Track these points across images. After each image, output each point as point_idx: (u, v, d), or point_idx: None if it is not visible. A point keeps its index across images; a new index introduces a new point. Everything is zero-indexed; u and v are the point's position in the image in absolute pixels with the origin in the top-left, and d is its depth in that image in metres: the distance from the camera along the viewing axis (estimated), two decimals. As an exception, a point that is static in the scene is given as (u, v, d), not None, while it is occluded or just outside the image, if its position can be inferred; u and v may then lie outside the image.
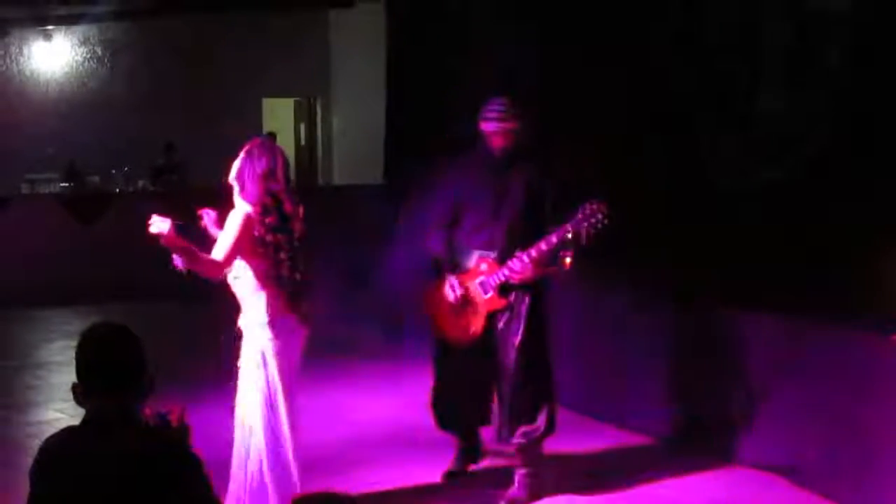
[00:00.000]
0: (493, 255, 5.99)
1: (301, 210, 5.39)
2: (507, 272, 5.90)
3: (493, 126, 5.99)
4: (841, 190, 7.44)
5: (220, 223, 5.36)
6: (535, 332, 6.04)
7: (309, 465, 6.33)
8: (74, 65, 16.61)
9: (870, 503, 5.78)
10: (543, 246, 5.81)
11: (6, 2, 14.24)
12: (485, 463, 6.72)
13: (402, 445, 7.25)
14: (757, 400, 6.56)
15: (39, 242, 13.05)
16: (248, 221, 5.24)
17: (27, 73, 16.37)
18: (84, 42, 16.58)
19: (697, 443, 6.87)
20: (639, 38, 9.51)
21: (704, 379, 6.90)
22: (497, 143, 6.00)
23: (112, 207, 13.69)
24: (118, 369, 3.12)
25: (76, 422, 3.23)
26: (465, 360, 6.17)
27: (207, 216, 5.52)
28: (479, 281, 6.01)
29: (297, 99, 18.91)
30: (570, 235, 5.73)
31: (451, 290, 6.06)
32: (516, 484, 6.18)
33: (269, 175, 5.30)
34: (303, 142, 18.98)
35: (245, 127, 15.66)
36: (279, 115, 18.42)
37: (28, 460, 3.21)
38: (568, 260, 5.94)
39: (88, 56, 16.65)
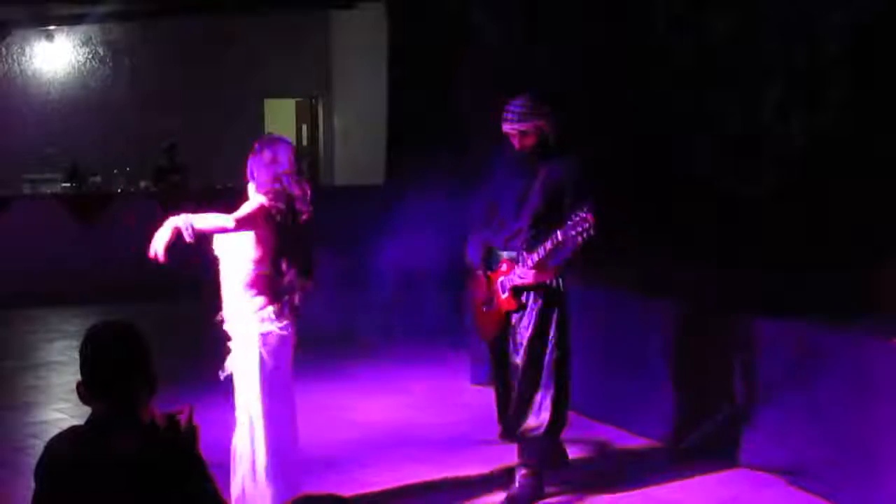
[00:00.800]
0: (513, 254, 6.06)
1: (309, 192, 5.47)
2: (514, 276, 5.99)
3: (507, 127, 6.00)
4: (842, 191, 7.44)
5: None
6: (545, 333, 6.07)
7: (308, 464, 6.35)
8: (76, 65, 16.61)
9: (870, 504, 5.79)
10: (541, 252, 5.86)
11: (8, 2, 14.26)
12: (487, 461, 6.74)
13: (403, 446, 7.25)
14: (759, 402, 6.56)
15: (41, 242, 13.06)
16: (262, 209, 5.35)
17: (29, 73, 16.38)
18: (86, 42, 16.59)
19: (700, 445, 6.87)
20: (639, 37, 9.52)
21: (707, 381, 6.90)
22: (515, 143, 6.02)
23: (114, 208, 13.70)
24: (123, 369, 3.11)
25: (78, 422, 3.23)
26: (499, 364, 6.31)
27: (186, 231, 5.52)
28: (500, 280, 6.11)
29: (299, 99, 18.92)
30: (559, 240, 5.74)
31: (477, 286, 6.22)
32: (517, 483, 6.19)
33: (273, 161, 5.42)
34: (304, 142, 18.98)
35: (246, 127, 15.68)
36: (280, 115, 18.42)
37: (29, 460, 3.23)
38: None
39: (90, 56, 16.66)
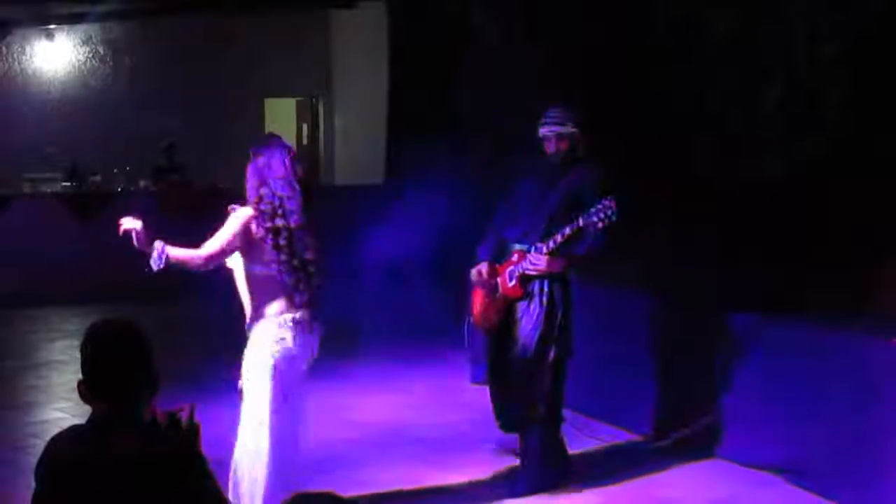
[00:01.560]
0: (525, 246, 6.19)
1: (300, 196, 5.36)
2: (519, 269, 6.14)
3: (546, 130, 6.25)
4: (843, 191, 7.44)
5: (148, 238, 5.43)
6: (546, 327, 6.16)
7: (308, 465, 6.36)
8: (76, 64, 16.61)
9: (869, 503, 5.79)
10: (559, 238, 6.02)
11: (8, 1, 14.25)
12: (487, 460, 6.75)
13: (402, 445, 7.26)
14: (758, 400, 6.57)
15: (41, 241, 13.04)
16: (246, 221, 5.30)
17: (29, 72, 16.37)
18: (86, 41, 16.59)
19: (697, 442, 6.87)
20: (639, 35, 9.52)
21: (705, 379, 6.90)
22: (549, 147, 6.25)
23: (113, 207, 13.69)
24: (124, 368, 3.10)
25: (78, 421, 3.22)
26: (497, 359, 6.38)
27: (136, 233, 5.51)
28: (509, 269, 6.24)
29: (299, 99, 18.91)
30: (580, 226, 5.92)
31: (478, 273, 6.29)
32: (518, 477, 6.28)
33: (265, 166, 5.36)
34: (304, 142, 18.97)
35: (246, 127, 15.68)
36: (281, 115, 18.42)
37: (30, 459, 3.22)
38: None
39: (90, 55, 16.65)
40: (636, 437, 7.30)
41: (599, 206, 5.85)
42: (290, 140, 18.06)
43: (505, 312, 6.28)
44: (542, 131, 6.26)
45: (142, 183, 14.63)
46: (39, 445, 3.21)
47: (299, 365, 5.46)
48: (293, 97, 18.83)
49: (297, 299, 5.35)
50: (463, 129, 11.30)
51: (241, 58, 16.68)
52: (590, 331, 7.68)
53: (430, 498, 6.29)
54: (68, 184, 14.28)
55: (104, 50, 16.66)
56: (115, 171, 14.63)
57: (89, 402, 3.13)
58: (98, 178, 14.48)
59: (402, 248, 11.56)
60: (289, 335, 5.36)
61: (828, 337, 6.16)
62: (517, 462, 6.33)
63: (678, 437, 6.94)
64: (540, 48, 10.38)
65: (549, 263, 6.08)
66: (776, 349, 6.46)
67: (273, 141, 5.53)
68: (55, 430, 3.26)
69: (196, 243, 5.38)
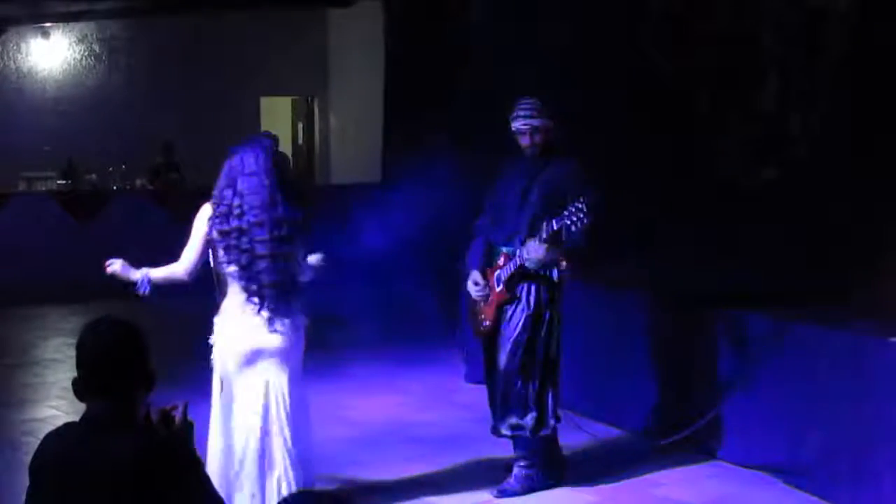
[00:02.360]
0: (511, 249, 6.14)
1: (271, 193, 5.37)
2: (518, 259, 6.04)
3: (520, 123, 6.14)
4: (841, 190, 7.44)
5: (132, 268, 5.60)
6: (536, 328, 6.14)
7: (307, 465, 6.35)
8: (72, 62, 16.60)
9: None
10: (536, 241, 5.95)
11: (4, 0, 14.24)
12: (484, 459, 6.75)
13: (399, 443, 7.26)
14: (754, 399, 6.56)
15: (37, 240, 13.04)
16: (206, 222, 5.42)
17: (25, 70, 16.36)
18: (82, 40, 16.57)
19: (692, 442, 6.87)
20: (637, 32, 9.51)
21: (700, 378, 6.90)
22: (523, 140, 6.16)
23: (110, 205, 13.69)
24: (120, 366, 3.08)
25: (73, 419, 3.21)
26: (491, 361, 6.35)
27: (120, 272, 5.62)
28: (496, 273, 6.20)
29: (295, 97, 18.90)
30: (554, 228, 5.84)
31: (474, 283, 6.25)
32: (512, 476, 6.27)
33: (235, 166, 5.41)
34: (300, 140, 18.97)
35: (243, 125, 15.66)
36: (277, 113, 18.41)
37: (24, 458, 3.20)
38: (563, 263, 6.08)
39: (86, 54, 16.64)
40: (633, 437, 7.29)
41: (571, 210, 5.72)
42: (287, 139, 18.08)
43: (496, 317, 6.24)
44: (515, 125, 6.15)
45: (138, 181, 14.63)
46: (34, 443, 3.20)
47: (246, 360, 5.44)
48: (289, 96, 18.82)
49: (248, 297, 5.39)
50: (459, 128, 11.30)
51: (238, 56, 16.68)
52: (587, 330, 7.69)
53: (425, 496, 6.28)
54: (64, 182, 14.27)
55: (100, 48, 16.65)
56: (110, 169, 14.62)
57: (84, 399, 3.11)
58: (94, 176, 14.47)
59: (397, 246, 11.55)
60: (231, 330, 5.44)
61: (826, 336, 6.15)
62: (513, 461, 6.32)
63: (674, 436, 6.92)
64: (538, 47, 10.37)
65: (547, 252, 5.96)
66: (772, 347, 6.45)
67: (253, 139, 5.55)
68: (49, 429, 3.24)
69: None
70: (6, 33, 15.83)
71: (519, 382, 6.15)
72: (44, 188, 14.24)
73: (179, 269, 5.50)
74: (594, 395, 7.72)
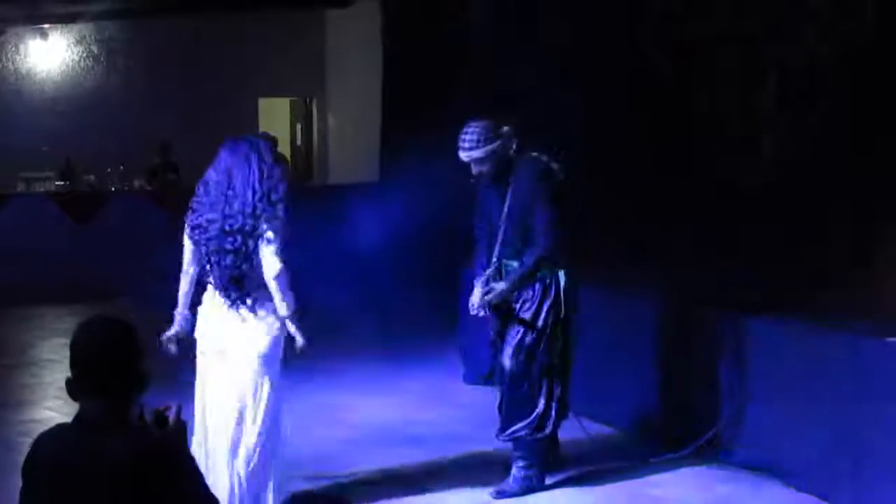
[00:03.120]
0: (506, 261, 6.20)
1: (232, 186, 5.40)
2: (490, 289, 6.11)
3: (463, 155, 6.10)
4: (840, 191, 7.44)
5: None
6: (538, 335, 6.15)
7: (304, 464, 6.34)
8: (70, 63, 16.59)
9: (864, 504, 5.78)
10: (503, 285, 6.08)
11: (2, 1, 14.22)
12: (484, 460, 6.74)
13: (399, 444, 7.24)
14: (754, 401, 6.55)
15: (35, 240, 13.02)
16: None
17: (23, 71, 16.35)
18: (80, 41, 16.56)
19: (694, 443, 6.84)
20: (637, 32, 9.50)
21: (702, 379, 6.88)
22: (474, 170, 6.11)
23: (108, 206, 13.68)
24: (114, 366, 3.04)
25: (69, 420, 3.18)
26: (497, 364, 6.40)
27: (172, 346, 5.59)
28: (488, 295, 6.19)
29: (293, 98, 18.90)
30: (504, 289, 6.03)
31: (471, 306, 6.25)
32: (511, 477, 6.26)
33: (214, 164, 5.48)
34: (299, 141, 18.96)
35: (241, 126, 15.63)
36: (275, 114, 18.41)
37: (20, 459, 3.17)
38: None
39: (84, 55, 16.63)
40: (632, 438, 7.27)
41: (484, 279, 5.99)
42: (285, 140, 18.07)
43: (502, 323, 6.28)
44: (461, 156, 6.09)
45: (136, 182, 14.62)
46: (29, 444, 3.18)
47: (216, 353, 5.49)
48: (288, 97, 18.82)
49: (215, 290, 5.47)
50: (458, 129, 11.28)
51: (236, 57, 16.66)
52: (588, 331, 7.67)
53: (424, 497, 6.27)
54: (62, 183, 14.26)
55: (98, 49, 16.63)
56: (108, 170, 14.61)
57: (77, 399, 3.09)
58: (92, 177, 14.46)
59: (395, 246, 11.53)
60: (204, 323, 5.53)
61: (826, 338, 6.14)
62: (511, 462, 6.31)
63: (673, 438, 6.89)
64: (538, 47, 10.36)
65: (504, 291, 6.06)
66: (772, 349, 6.44)
67: (240, 139, 5.56)
68: (45, 429, 3.21)
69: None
70: (4, 34, 15.83)
71: (523, 387, 6.17)
72: (42, 189, 14.24)
73: (186, 279, 5.57)
74: (594, 395, 7.70)
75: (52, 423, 3.24)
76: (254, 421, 5.43)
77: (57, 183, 14.30)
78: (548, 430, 6.22)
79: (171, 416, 3.08)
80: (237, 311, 5.42)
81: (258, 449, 5.43)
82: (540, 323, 6.12)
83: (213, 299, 5.51)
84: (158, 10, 15.44)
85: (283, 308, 5.40)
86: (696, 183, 8.68)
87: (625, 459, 6.82)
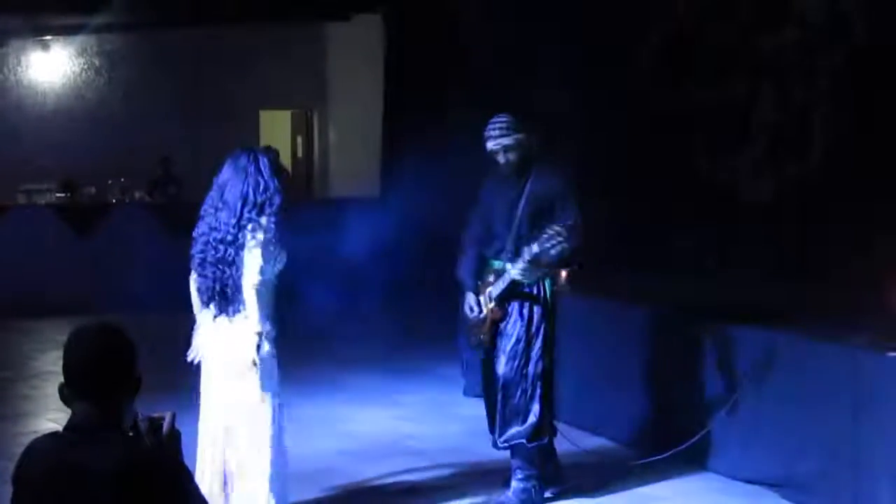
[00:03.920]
0: (501, 264, 6.19)
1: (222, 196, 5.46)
2: (508, 276, 6.08)
3: (492, 143, 6.15)
4: (840, 202, 7.46)
5: None
6: (530, 344, 6.17)
7: (304, 475, 6.35)
8: (72, 76, 16.60)
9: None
10: (520, 263, 6.00)
11: (4, 12, 14.25)
12: (483, 471, 6.75)
13: (398, 456, 7.25)
14: (752, 414, 6.55)
15: (35, 252, 13.04)
16: None
17: (24, 83, 16.36)
18: (82, 53, 16.58)
19: (688, 455, 6.85)
20: (636, 43, 9.54)
21: (698, 392, 6.88)
22: (500, 159, 6.16)
23: (108, 218, 13.70)
24: (106, 373, 3.02)
25: (66, 431, 3.17)
26: (489, 375, 6.37)
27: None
28: (488, 291, 6.23)
29: (295, 111, 18.91)
30: (535, 252, 5.88)
31: (469, 309, 6.28)
32: (510, 490, 6.26)
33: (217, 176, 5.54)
34: (300, 154, 18.97)
35: (242, 139, 15.62)
36: (276, 127, 18.41)
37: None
38: (563, 274, 6.11)
39: (86, 67, 16.65)
40: (629, 450, 7.27)
41: (549, 233, 5.79)
42: (286, 153, 18.08)
43: (492, 332, 6.28)
44: (489, 146, 6.16)
45: (137, 194, 14.63)
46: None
47: (210, 364, 5.52)
48: (288, 109, 18.83)
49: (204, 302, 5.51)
50: (459, 140, 11.31)
51: (237, 70, 16.68)
52: (581, 343, 7.68)
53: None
54: (63, 195, 14.27)
55: (100, 62, 16.65)
56: (109, 182, 14.62)
57: (70, 405, 3.06)
58: (93, 189, 14.48)
59: (396, 259, 11.54)
60: (199, 335, 5.55)
61: (822, 349, 6.15)
62: (510, 475, 6.31)
63: (669, 451, 6.90)
64: (535, 58, 10.39)
65: (535, 270, 6.03)
66: (769, 361, 6.44)
67: (241, 152, 5.57)
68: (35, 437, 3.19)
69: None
70: (6, 46, 15.85)
71: (517, 394, 6.17)
72: (43, 201, 14.24)
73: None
74: (588, 407, 7.71)
75: (50, 436, 3.22)
76: (251, 430, 5.43)
77: (58, 195, 14.30)
78: (545, 439, 6.22)
79: (165, 424, 3.06)
80: (226, 320, 5.43)
81: (257, 460, 5.43)
82: (533, 329, 6.16)
83: (205, 312, 5.54)
84: (160, 22, 15.46)
85: (253, 322, 5.38)
86: (695, 192, 8.71)
87: (624, 471, 6.82)
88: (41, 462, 3.04)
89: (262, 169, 5.43)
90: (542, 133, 6.35)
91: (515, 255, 6.07)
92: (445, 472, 6.88)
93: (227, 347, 5.42)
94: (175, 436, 3.07)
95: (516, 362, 6.16)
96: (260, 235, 5.34)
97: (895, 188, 7.24)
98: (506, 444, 6.26)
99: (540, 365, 6.18)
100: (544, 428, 6.22)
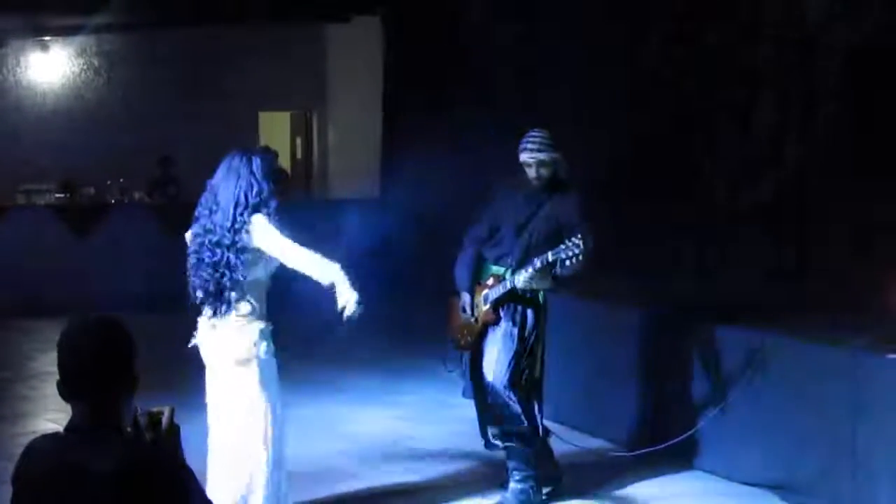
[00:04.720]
0: (501, 270, 6.19)
1: (217, 198, 5.45)
2: (509, 283, 6.09)
3: (528, 156, 6.15)
4: (840, 202, 7.45)
5: None
6: (519, 348, 6.17)
7: (303, 477, 6.34)
8: (71, 76, 16.60)
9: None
10: (530, 270, 5.98)
11: (3, 13, 14.24)
12: (481, 472, 6.74)
13: (396, 457, 7.25)
14: (751, 416, 6.54)
15: (34, 252, 13.05)
16: None
17: (24, 83, 16.36)
18: (81, 53, 16.58)
19: (682, 455, 6.84)
20: (636, 43, 9.54)
21: (697, 394, 6.88)
22: (530, 172, 6.16)
23: (108, 218, 13.70)
24: (104, 368, 2.96)
25: (68, 432, 3.16)
26: (478, 377, 6.35)
27: None
28: (484, 293, 6.23)
29: (294, 112, 18.91)
30: (549, 260, 5.87)
31: (462, 310, 6.30)
32: (508, 491, 6.26)
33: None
34: (299, 155, 18.96)
35: (241, 140, 15.61)
36: (275, 128, 18.41)
37: (19, 472, 3.14)
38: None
39: (85, 68, 16.64)
40: (621, 450, 7.26)
41: (569, 244, 5.78)
42: (285, 154, 18.08)
43: (481, 335, 6.28)
44: (523, 157, 6.16)
45: (136, 195, 14.64)
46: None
47: (208, 362, 5.53)
48: (288, 111, 18.83)
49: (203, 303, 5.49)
50: (458, 141, 11.31)
51: (236, 71, 16.68)
52: (574, 344, 7.68)
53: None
54: (62, 195, 14.27)
55: (99, 62, 16.65)
56: (108, 182, 14.62)
57: (69, 401, 3.02)
58: (92, 190, 14.48)
59: (395, 259, 11.53)
60: (199, 333, 5.53)
61: (821, 349, 6.14)
62: (508, 476, 6.30)
63: (668, 453, 6.89)
64: (535, 58, 10.39)
65: (539, 281, 6.03)
66: (768, 363, 6.43)
67: (236, 153, 5.55)
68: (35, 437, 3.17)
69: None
70: (5, 47, 15.85)
71: (508, 397, 6.16)
72: (42, 201, 14.24)
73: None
74: (587, 408, 7.70)
75: (50, 436, 3.20)
76: (250, 432, 5.43)
77: (57, 195, 14.31)
78: (535, 444, 6.23)
79: (164, 419, 3.04)
80: (222, 321, 5.42)
81: (259, 461, 5.43)
82: (525, 334, 6.17)
83: (203, 311, 5.53)
84: (159, 22, 15.46)
85: (332, 271, 5.66)
86: (691, 193, 8.70)
87: (621, 471, 6.82)
88: (41, 462, 3.02)
89: (255, 171, 5.41)
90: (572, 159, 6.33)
91: (519, 267, 6.06)
92: (445, 472, 6.88)
93: (223, 346, 5.42)
94: (174, 430, 3.05)
95: (508, 367, 6.14)
96: (259, 223, 5.35)
97: (895, 188, 7.24)
98: (500, 445, 6.26)
99: (529, 371, 6.20)
100: (537, 429, 6.22)
